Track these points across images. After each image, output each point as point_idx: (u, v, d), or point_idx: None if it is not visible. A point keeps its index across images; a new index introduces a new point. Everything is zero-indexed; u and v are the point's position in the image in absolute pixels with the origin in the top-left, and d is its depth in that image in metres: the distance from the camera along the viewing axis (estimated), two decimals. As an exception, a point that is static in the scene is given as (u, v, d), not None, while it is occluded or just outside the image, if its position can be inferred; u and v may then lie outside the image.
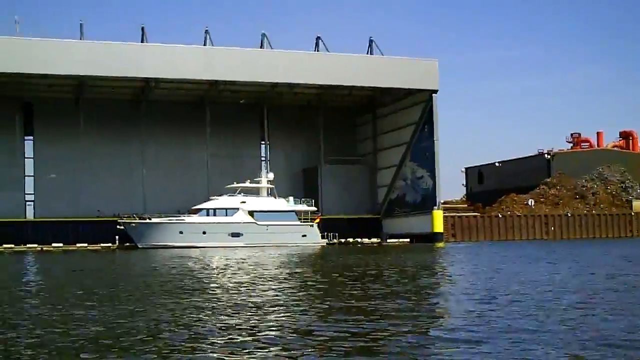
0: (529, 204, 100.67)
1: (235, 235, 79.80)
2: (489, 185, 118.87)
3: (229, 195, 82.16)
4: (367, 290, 20.92)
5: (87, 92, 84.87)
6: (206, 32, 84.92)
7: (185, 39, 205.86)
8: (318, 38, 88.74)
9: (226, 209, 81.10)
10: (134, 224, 79.08)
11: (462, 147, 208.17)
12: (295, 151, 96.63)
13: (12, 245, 78.35)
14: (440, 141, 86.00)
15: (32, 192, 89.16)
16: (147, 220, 79.93)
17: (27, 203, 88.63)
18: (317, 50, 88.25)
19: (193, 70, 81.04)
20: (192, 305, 17.41)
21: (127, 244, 79.09)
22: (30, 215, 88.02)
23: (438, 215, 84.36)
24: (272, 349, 11.16)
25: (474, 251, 56.32)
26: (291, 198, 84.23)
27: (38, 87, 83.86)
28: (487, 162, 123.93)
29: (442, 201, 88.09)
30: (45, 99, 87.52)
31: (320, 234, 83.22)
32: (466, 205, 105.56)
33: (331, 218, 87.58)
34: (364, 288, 21.92)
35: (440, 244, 78.49)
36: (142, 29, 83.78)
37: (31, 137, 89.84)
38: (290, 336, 12.24)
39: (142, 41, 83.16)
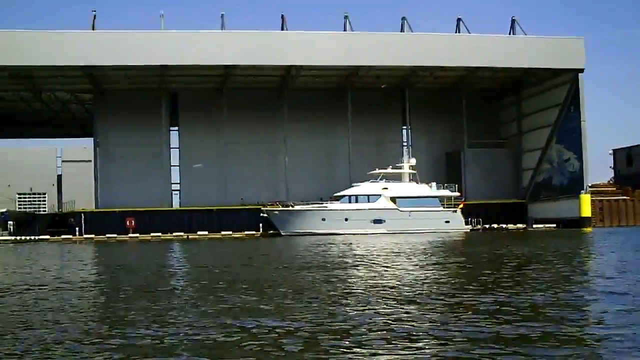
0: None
1: (378, 221, 79.51)
2: (638, 167, 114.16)
3: (371, 182, 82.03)
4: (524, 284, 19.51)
5: (231, 81, 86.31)
6: (345, 17, 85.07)
7: (325, 25, 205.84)
8: (459, 20, 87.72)
9: (368, 195, 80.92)
10: (277, 212, 79.86)
11: (609, 128, 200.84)
12: (437, 135, 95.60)
13: (159, 234, 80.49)
14: (587, 122, 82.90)
15: (178, 182, 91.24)
16: (290, 208, 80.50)
17: (174, 192, 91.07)
18: (459, 32, 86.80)
19: (334, 57, 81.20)
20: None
21: (271, 231, 79.88)
22: (176, 204, 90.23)
23: (586, 199, 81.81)
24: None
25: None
26: (434, 184, 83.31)
27: (183, 78, 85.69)
28: (636, 144, 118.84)
29: (589, 184, 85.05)
30: (190, 90, 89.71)
31: (463, 220, 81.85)
32: (614, 189, 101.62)
33: (475, 203, 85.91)
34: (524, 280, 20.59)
35: (588, 229, 76.06)
36: (282, 17, 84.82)
37: (176, 128, 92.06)
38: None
39: (281, 29, 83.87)
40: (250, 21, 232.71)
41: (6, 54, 76.58)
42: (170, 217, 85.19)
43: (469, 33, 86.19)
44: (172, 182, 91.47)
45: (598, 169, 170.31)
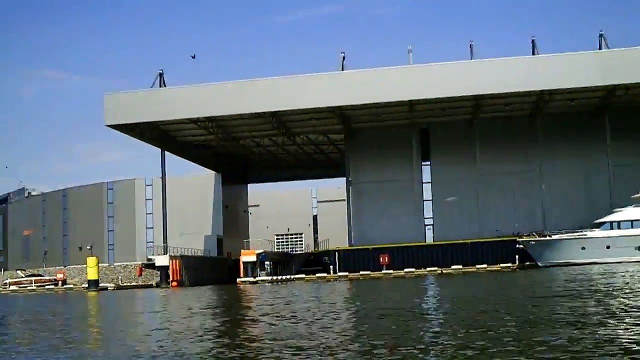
0: None
1: (642, 248, 76.81)
2: None
3: (634, 206, 79.35)
4: None
5: (482, 111, 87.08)
6: (600, 36, 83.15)
7: (578, 46, 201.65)
8: None
9: (632, 220, 78.44)
10: (533, 242, 79.21)
11: None
12: None
13: (413, 269, 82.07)
14: None
15: (431, 216, 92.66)
16: (547, 238, 79.56)
17: (426, 227, 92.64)
18: None
19: (590, 77, 79.71)
20: None
21: (527, 262, 79.30)
22: (429, 238, 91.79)
23: None
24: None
25: None
26: None
27: (433, 112, 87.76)
28: None
29: None
30: (440, 123, 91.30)
31: None
32: None
33: None
34: None
35: None
36: (533, 41, 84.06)
37: (428, 162, 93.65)
38: None
39: (533, 54, 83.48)
40: (499, 49, 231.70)
41: (259, 99, 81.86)
42: (424, 252, 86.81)
43: None
44: (425, 216, 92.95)
45: None
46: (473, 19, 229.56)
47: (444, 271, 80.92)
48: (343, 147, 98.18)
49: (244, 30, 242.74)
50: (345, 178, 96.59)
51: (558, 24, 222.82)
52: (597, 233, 78.80)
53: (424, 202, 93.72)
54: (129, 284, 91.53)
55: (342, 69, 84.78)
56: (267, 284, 77.59)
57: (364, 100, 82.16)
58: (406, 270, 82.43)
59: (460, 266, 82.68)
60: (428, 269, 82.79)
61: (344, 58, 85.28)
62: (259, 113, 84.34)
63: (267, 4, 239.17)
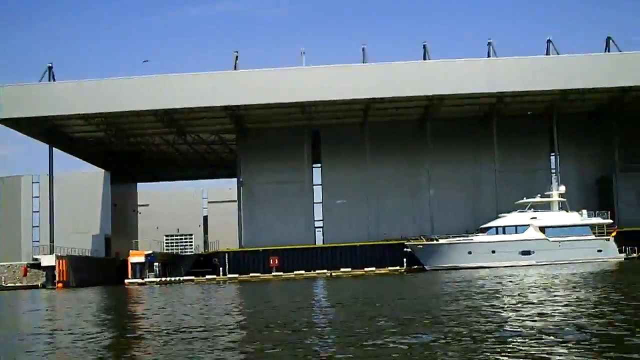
0: None
1: (526, 253, 79.00)
2: None
3: (519, 212, 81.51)
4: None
5: (372, 115, 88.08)
6: (489, 44, 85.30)
7: (467, 52, 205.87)
8: (609, 39, 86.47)
9: (516, 226, 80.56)
10: (421, 246, 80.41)
11: None
12: (587, 161, 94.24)
13: (303, 272, 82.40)
14: None
15: (321, 219, 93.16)
16: (434, 242, 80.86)
17: (317, 230, 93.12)
18: (608, 52, 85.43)
19: (478, 84, 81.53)
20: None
21: (415, 266, 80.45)
22: (319, 241, 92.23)
23: None
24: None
25: None
26: (584, 211, 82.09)
27: (325, 114, 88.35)
28: None
29: None
30: (332, 126, 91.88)
31: (617, 248, 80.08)
32: None
33: (629, 230, 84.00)
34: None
35: None
36: (424, 46, 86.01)
37: (319, 165, 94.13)
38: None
39: (424, 59, 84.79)
40: (391, 53, 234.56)
41: (151, 97, 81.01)
42: (314, 255, 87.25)
43: (620, 52, 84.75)
44: (315, 219, 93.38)
45: None
46: (367, 22, 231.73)
47: (333, 274, 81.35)
48: (235, 147, 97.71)
49: (137, 26, 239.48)
50: (236, 179, 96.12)
51: (449, 30, 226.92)
52: (482, 238, 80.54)
53: (315, 204, 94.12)
54: (13, 285, 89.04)
55: (235, 68, 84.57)
56: (155, 285, 76.64)
57: (257, 101, 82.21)
58: (296, 272, 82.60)
59: (350, 269, 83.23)
60: (318, 271, 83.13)
61: (237, 57, 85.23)
62: (150, 110, 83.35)
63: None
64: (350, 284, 54.82)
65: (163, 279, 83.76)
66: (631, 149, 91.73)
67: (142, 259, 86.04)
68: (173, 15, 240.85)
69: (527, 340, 14.83)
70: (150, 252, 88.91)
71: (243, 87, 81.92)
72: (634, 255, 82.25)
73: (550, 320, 18.66)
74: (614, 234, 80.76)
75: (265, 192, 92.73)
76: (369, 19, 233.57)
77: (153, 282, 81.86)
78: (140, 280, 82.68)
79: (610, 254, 79.14)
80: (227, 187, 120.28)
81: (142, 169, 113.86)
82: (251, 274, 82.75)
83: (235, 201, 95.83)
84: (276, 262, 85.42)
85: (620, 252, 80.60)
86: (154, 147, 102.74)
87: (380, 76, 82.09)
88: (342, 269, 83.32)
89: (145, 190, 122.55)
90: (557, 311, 21.01)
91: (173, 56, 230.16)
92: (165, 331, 19.94)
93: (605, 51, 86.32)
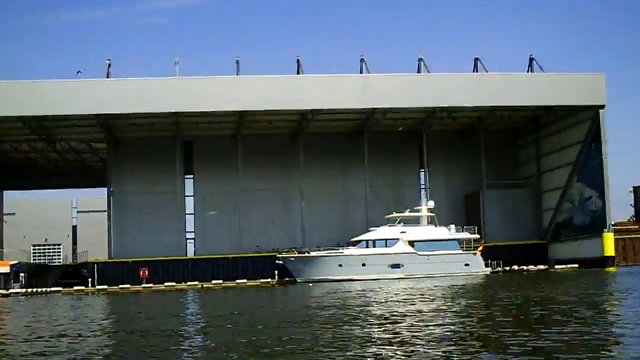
0: None
1: (395, 266, 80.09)
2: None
3: (389, 226, 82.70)
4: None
5: (246, 127, 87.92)
6: (362, 60, 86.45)
7: (341, 68, 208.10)
8: (476, 59, 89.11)
9: (386, 239, 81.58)
10: (292, 258, 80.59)
11: (628, 166, 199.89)
12: (455, 177, 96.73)
13: (174, 283, 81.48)
14: (608, 160, 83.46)
15: (193, 230, 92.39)
16: (306, 254, 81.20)
17: (188, 241, 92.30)
18: (476, 71, 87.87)
19: (350, 100, 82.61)
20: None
21: (286, 278, 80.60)
22: (190, 253, 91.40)
23: (609, 238, 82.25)
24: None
25: None
26: (452, 226, 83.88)
27: (197, 125, 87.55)
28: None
29: (612, 223, 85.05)
30: (205, 137, 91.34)
31: (483, 263, 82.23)
32: (637, 226, 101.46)
33: (495, 245, 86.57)
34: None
35: (612, 269, 76.22)
36: (298, 61, 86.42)
37: (191, 176, 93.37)
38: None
39: (297, 73, 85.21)
40: (266, 66, 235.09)
41: (20, 103, 78.84)
42: (185, 266, 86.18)
43: (487, 72, 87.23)
44: (187, 230, 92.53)
45: (617, 206, 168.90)
46: (243, 34, 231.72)
47: (204, 285, 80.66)
48: (106, 156, 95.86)
49: (12, 27, 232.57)
50: (107, 188, 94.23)
51: (322, 45, 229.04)
52: (353, 251, 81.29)
53: (187, 215, 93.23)
54: None
55: (108, 77, 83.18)
56: (20, 297, 74.32)
57: (127, 110, 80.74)
58: (167, 284, 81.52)
59: (221, 280, 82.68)
60: (189, 283, 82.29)
61: (109, 65, 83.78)
62: (18, 117, 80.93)
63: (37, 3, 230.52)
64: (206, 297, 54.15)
65: (29, 290, 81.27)
66: (497, 167, 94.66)
67: (7, 269, 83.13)
68: (46, 20, 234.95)
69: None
70: (15, 262, 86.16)
71: (114, 95, 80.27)
72: (499, 269, 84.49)
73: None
74: (480, 248, 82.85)
75: (136, 202, 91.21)
76: (245, 31, 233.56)
77: (18, 293, 79.34)
78: (4, 291, 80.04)
79: (477, 267, 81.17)
80: (97, 196, 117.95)
81: (9, 176, 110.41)
82: (120, 286, 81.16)
83: (105, 211, 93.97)
84: (146, 273, 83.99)
85: (487, 266, 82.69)
86: (22, 154, 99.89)
87: (253, 88, 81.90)
88: (213, 281, 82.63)
89: (12, 200, 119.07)
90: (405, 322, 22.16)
91: (44, 61, 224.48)
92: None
93: (528, 71, 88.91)
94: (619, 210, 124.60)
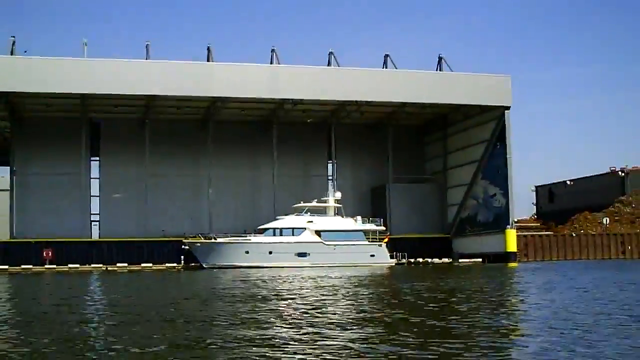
0: (603, 222, 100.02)
1: (302, 255, 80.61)
2: (559, 203, 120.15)
3: (296, 215, 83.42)
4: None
5: (154, 112, 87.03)
6: (272, 51, 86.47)
7: (252, 58, 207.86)
8: (386, 56, 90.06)
9: (293, 228, 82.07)
10: (199, 244, 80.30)
11: (530, 165, 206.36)
12: (363, 170, 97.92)
13: (78, 265, 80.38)
14: (511, 159, 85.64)
15: (98, 213, 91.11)
16: (213, 240, 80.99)
17: (93, 223, 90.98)
18: (386, 68, 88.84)
19: (260, 89, 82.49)
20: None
21: (193, 264, 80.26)
22: (95, 235, 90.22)
23: (511, 235, 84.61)
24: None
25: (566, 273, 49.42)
26: (359, 217, 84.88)
27: (105, 107, 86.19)
28: (557, 181, 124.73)
29: (515, 220, 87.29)
30: (112, 120, 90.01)
31: (388, 254, 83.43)
32: (538, 224, 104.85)
33: (400, 237, 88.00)
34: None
35: (514, 264, 78.25)
36: (208, 48, 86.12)
37: (97, 158, 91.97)
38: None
39: (208, 60, 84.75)
40: (178, 52, 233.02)
41: None
42: (89, 249, 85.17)
43: (396, 69, 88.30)
44: (92, 212, 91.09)
45: (520, 205, 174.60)
46: (152, 20, 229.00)
47: (109, 268, 79.73)
48: (9, 135, 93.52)
49: None
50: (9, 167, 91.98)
51: (234, 36, 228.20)
52: (260, 238, 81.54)
53: (92, 197, 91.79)
54: None
55: (12, 54, 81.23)
56: None
57: (32, 89, 78.92)
58: (70, 265, 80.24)
59: (126, 264, 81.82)
60: (94, 265, 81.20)
61: (14, 43, 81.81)
62: None
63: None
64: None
65: None
66: (405, 161, 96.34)
67: None
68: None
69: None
70: None
71: (19, 74, 78.30)
72: (404, 261, 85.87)
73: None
74: (385, 240, 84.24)
75: (39, 182, 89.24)
76: (155, 17, 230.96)
77: None
78: None
79: (382, 259, 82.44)
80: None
81: None
82: (23, 266, 79.50)
83: (7, 190, 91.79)
84: (50, 254, 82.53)
85: (392, 257, 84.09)
86: None
87: (163, 73, 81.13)
88: (118, 264, 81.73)
89: None
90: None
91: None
92: None
93: (436, 70, 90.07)
94: (522, 208, 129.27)
